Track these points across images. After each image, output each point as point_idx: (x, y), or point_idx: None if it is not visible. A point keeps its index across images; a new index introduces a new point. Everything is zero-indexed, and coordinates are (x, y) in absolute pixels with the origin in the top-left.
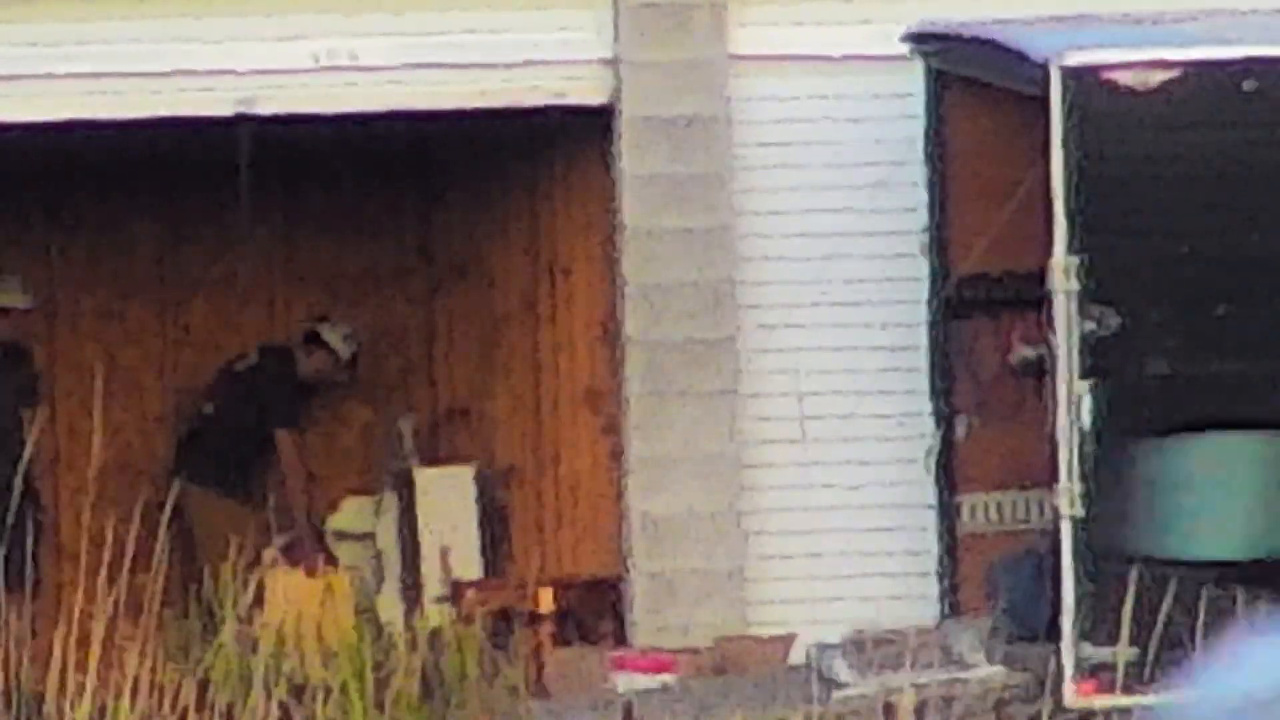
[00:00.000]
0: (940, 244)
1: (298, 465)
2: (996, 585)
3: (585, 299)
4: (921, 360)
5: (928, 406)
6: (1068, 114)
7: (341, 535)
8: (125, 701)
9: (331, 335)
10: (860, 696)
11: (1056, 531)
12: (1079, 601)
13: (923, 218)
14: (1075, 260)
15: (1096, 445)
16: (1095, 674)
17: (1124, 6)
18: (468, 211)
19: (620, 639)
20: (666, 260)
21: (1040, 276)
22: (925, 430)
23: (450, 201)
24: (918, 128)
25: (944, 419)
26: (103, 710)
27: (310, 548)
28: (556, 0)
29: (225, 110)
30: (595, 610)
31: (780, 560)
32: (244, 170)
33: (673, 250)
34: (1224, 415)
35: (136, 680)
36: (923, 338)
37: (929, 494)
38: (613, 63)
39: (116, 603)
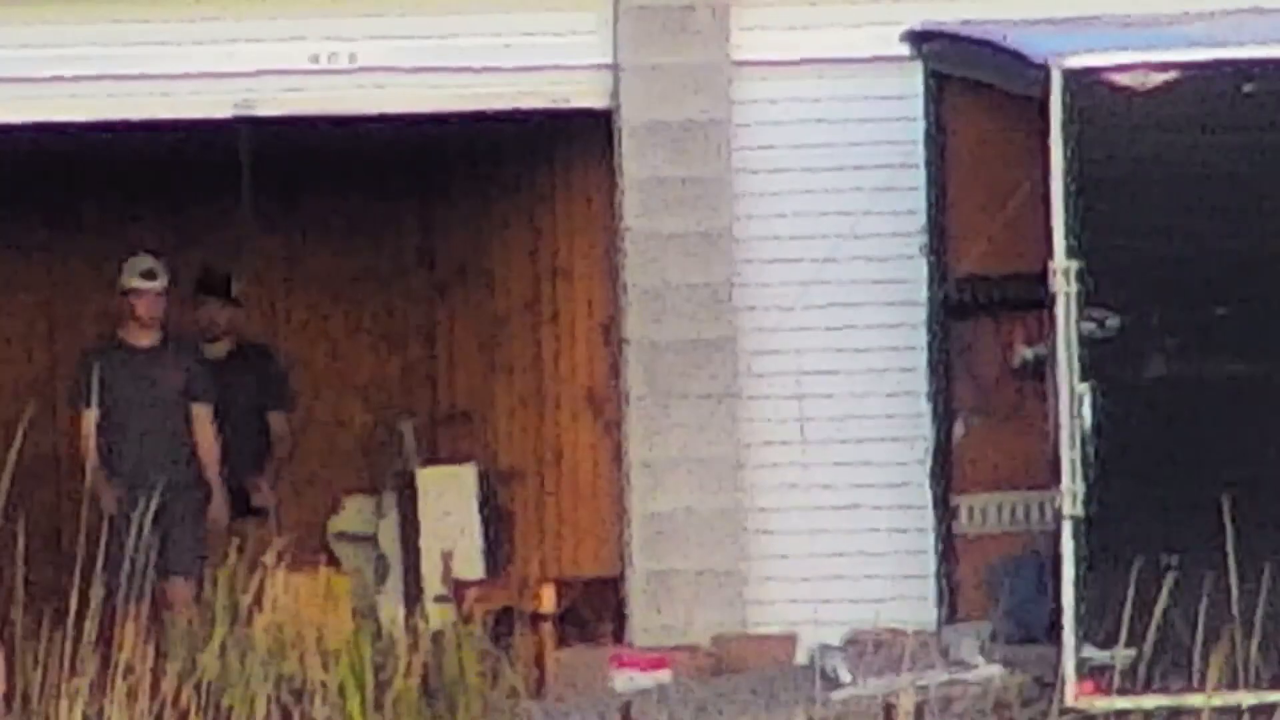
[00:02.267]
0: (940, 245)
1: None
2: (996, 586)
3: (586, 301)
4: (921, 361)
5: (927, 407)
6: (1067, 115)
7: (342, 536)
8: (123, 703)
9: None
10: (859, 697)
11: (1057, 532)
12: (1080, 603)
13: (922, 219)
14: (1075, 262)
15: (1097, 446)
16: (1096, 675)
17: (1124, 8)
18: (468, 214)
19: (620, 639)
20: (667, 262)
21: (1040, 278)
22: (924, 431)
23: (451, 204)
24: (917, 130)
25: (943, 420)
26: (100, 712)
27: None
28: (557, 4)
29: (225, 112)
30: (596, 610)
31: (779, 561)
32: (244, 172)
33: (673, 252)
34: (1224, 416)
35: (136, 682)
36: (922, 339)
37: (928, 495)
38: (613, 66)
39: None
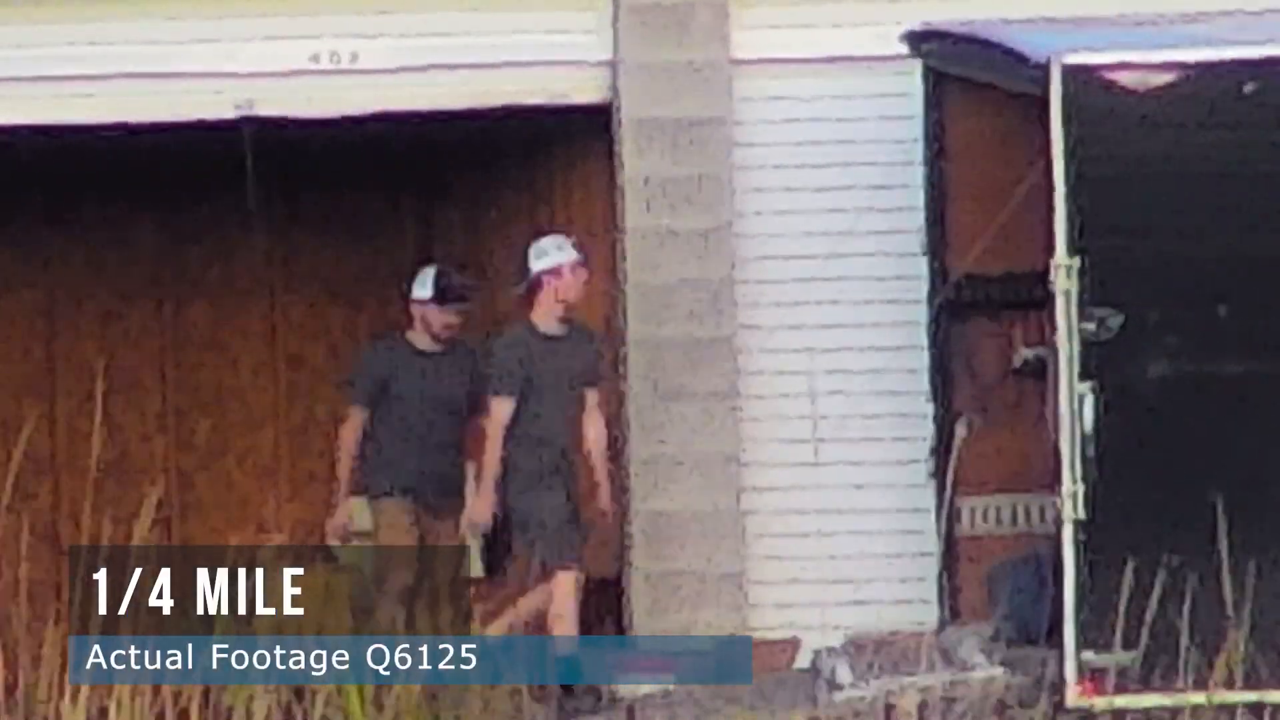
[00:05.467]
0: (940, 244)
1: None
2: (997, 588)
3: (586, 299)
4: (921, 361)
5: (928, 408)
6: (1067, 114)
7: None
8: (124, 703)
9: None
10: (861, 699)
11: (1058, 534)
12: (1080, 604)
13: (922, 218)
14: (1075, 261)
15: (1097, 446)
16: (1095, 675)
17: (1124, 8)
18: (468, 212)
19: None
20: (667, 261)
21: (1040, 277)
22: (925, 432)
23: (450, 202)
24: (917, 128)
25: (944, 421)
26: (102, 710)
27: None
28: (557, 1)
29: (225, 112)
30: (597, 611)
31: (781, 562)
32: (244, 172)
33: (673, 251)
34: (1224, 416)
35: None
36: (923, 339)
37: (929, 497)
38: (612, 64)
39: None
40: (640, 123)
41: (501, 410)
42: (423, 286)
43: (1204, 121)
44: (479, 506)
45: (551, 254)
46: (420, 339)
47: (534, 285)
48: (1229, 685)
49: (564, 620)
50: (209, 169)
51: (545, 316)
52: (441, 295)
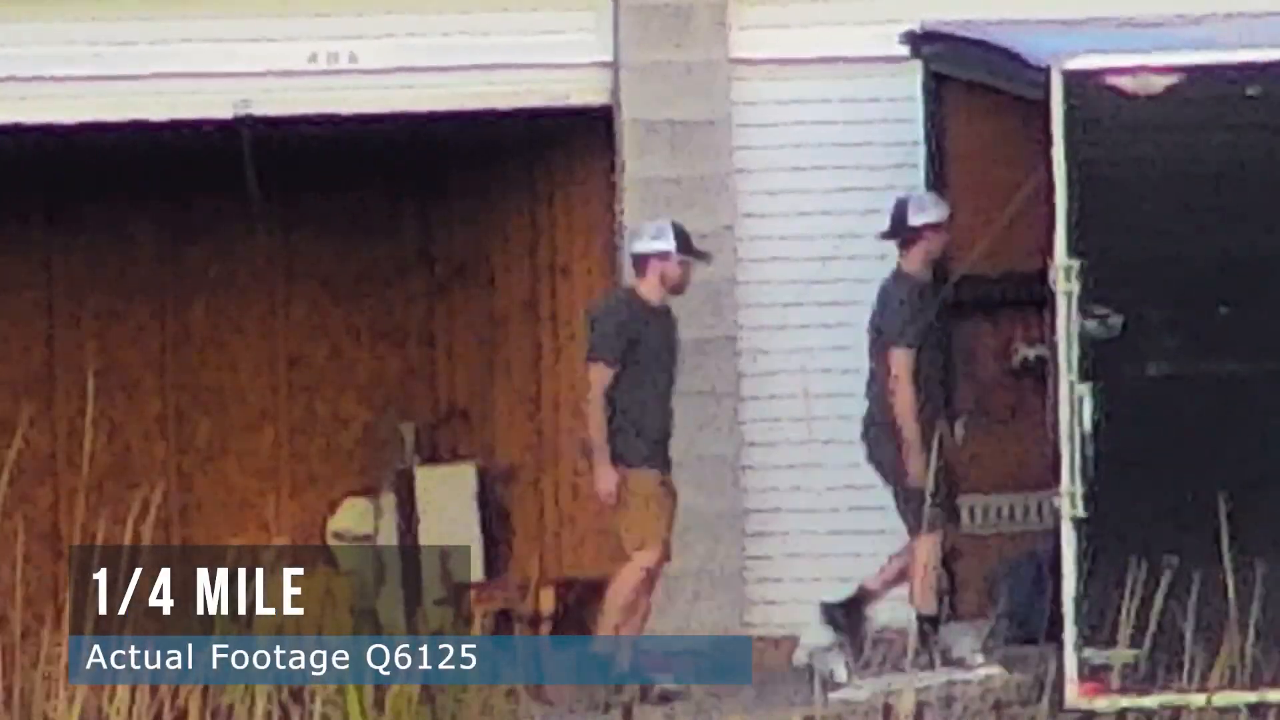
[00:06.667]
0: None
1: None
2: (996, 587)
3: (585, 299)
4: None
5: (928, 407)
6: (1069, 119)
7: (341, 536)
8: (123, 703)
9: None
10: (859, 698)
11: (1057, 533)
12: (1080, 603)
13: None
14: (1076, 261)
15: (1097, 446)
16: (1096, 675)
17: (1125, 10)
18: (468, 212)
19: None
20: None
21: (1040, 278)
22: None
23: (450, 202)
24: (917, 130)
25: (944, 420)
26: (100, 711)
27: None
28: (557, 2)
29: (225, 112)
30: (596, 610)
31: (779, 560)
32: (245, 172)
33: None
34: (1224, 416)
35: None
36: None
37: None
38: (613, 64)
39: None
40: (640, 124)
41: (905, 360)
42: (661, 238)
43: (1205, 125)
44: None
45: (931, 210)
46: (653, 293)
47: (912, 239)
48: (1231, 685)
49: (921, 583)
50: (209, 169)
51: (920, 270)
52: (685, 245)
